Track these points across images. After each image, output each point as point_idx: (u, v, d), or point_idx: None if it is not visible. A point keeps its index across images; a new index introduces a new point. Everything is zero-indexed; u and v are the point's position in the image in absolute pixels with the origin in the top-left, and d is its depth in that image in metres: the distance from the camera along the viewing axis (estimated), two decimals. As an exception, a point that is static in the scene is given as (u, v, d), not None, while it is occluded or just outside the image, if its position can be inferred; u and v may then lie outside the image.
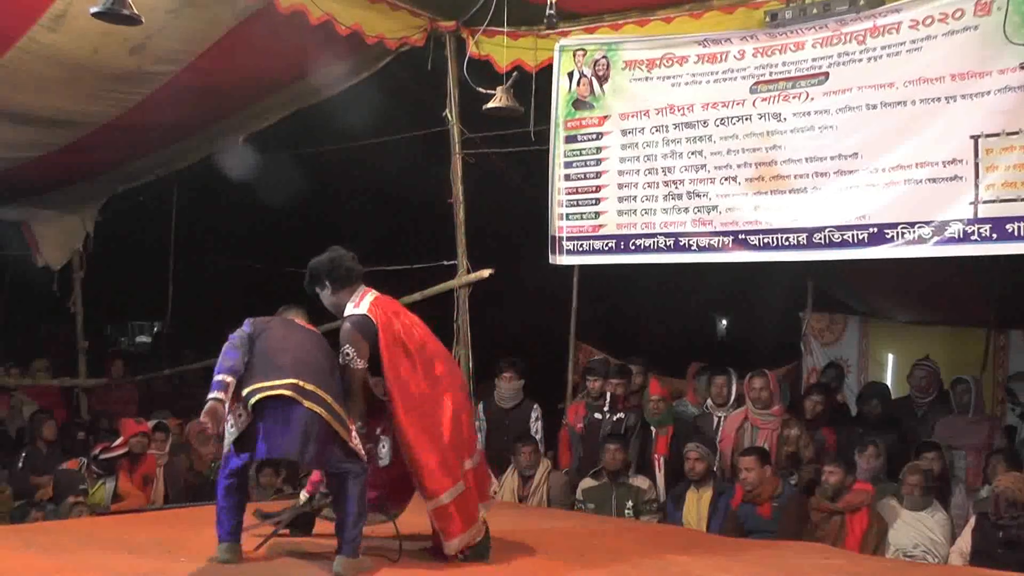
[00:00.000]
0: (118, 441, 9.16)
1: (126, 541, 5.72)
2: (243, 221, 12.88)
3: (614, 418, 8.53)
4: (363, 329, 5.46)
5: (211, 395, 5.12)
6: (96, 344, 13.49)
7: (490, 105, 7.99)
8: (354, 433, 5.24)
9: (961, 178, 6.44)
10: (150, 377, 12.94)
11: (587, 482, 8.15)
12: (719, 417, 8.29)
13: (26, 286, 13.04)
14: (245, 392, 5.14)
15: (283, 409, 5.08)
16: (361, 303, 5.58)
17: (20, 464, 9.02)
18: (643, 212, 7.74)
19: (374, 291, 5.68)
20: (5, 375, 11.86)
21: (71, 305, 12.61)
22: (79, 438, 10.34)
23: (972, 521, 6.84)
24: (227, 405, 5.13)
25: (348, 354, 5.41)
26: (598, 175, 7.97)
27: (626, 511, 7.86)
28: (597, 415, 8.61)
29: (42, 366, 12.32)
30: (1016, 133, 6.25)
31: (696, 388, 9.10)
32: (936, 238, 6.54)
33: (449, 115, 8.69)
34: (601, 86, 7.98)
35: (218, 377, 5.15)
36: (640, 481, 8.04)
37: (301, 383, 5.10)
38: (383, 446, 5.59)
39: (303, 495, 5.93)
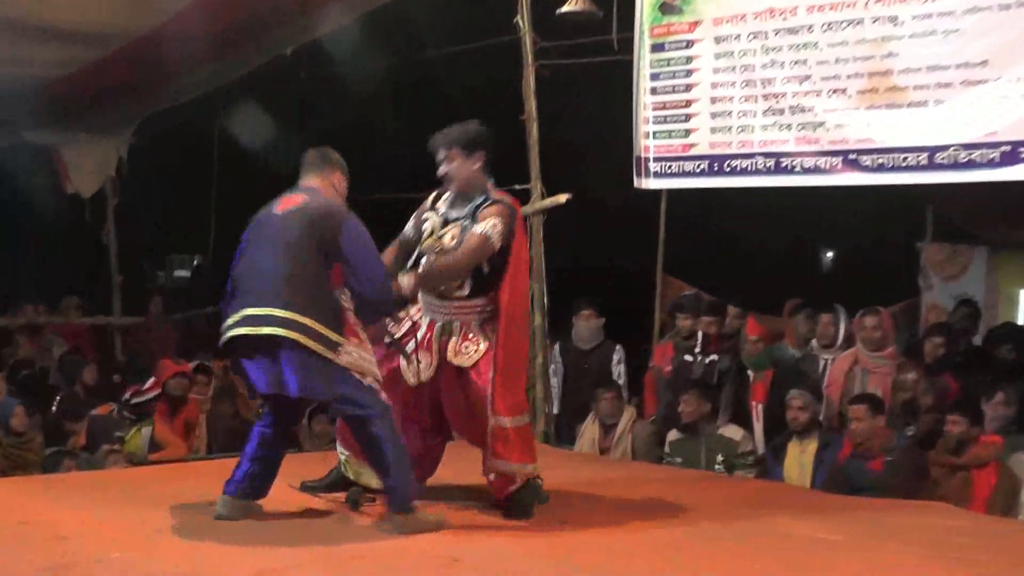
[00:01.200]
0: (149, 382, 9.34)
1: (166, 495, 5.82)
2: (293, 143, 13.02)
3: (706, 361, 8.57)
4: (513, 221, 5.63)
5: None
6: (131, 279, 13.73)
7: (565, 9, 7.97)
8: (350, 351, 5.14)
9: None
10: (191, 315, 13.17)
11: (674, 433, 8.21)
12: (825, 360, 8.28)
13: (55, 216, 13.27)
14: None
15: (247, 340, 5.13)
16: (504, 196, 5.74)
17: (55, 409, 9.28)
18: (739, 129, 7.69)
19: None
20: (34, 313, 12.16)
21: (103, 236, 12.84)
22: (115, 381, 10.60)
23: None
24: None
25: (491, 235, 5.52)
26: (688, 88, 7.92)
27: (716, 466, 7.92)
28: (687, 357, 8.66)
29: (73, 303, 12.60)
30: None
31: (794, 327, 9.06)
32: (1079, 157, 6.43)
33: (520, 22, 8.68)
34: (692, -13, 7.93)
35: None
36: (732, 431, 8.08)
37: (252, 311, 5.07)
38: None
39: (340, 450, 6.02)
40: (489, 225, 5.53)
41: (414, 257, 5.70)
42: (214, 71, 10.76)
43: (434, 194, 5.86)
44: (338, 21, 9.62)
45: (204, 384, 9.68)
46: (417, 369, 5.71)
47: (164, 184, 13.63)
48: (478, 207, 5.63)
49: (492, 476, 5.68)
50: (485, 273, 5.62)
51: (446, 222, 5.71)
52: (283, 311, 5.00)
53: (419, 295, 5.73)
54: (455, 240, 5.60)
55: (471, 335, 5.65)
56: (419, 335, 5.74)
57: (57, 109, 10.97)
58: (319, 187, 5.39)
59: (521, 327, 5.79)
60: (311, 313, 5.03)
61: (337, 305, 5.18)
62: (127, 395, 9.28)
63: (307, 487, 6.06)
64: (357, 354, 5.17)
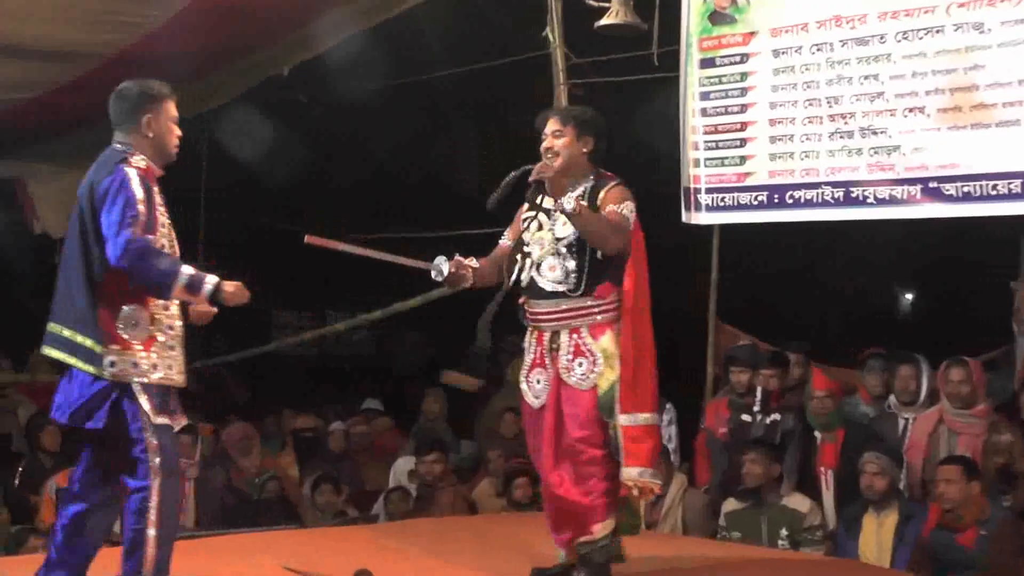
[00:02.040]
0: None
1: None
2: (289, 172, 13.06)
3: (767, 420, 8.53)
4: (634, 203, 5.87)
5: None
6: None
7: (604, 22, 7.99)
8: (114, 362, 5.10)
9: None
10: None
11: (731, 503, 8.16)
12: (905, 419, 8.23)
13: (20, 259, 13.33)
14: None
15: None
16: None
17: (17, 480, 9.28)
18: (803, 155, 7.68)
19: None
20: (-8, 372, 12.21)
21: (76, 283, 12.89)
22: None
23: None
24: None
25: (627, 215, 5.76)
26: (743, 108, 7.92)
27: (780, 541, 7.87)
28: (745, 417, 8.62)
29: (41, 358, 12.64)
30: None
31: (867, 381, 9.00)
32: None
33: (551, 36, 8.72)
34: (746, -7, 7.95)
35: None
36: (798, 502, 8.02)
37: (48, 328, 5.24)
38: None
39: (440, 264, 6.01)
40: (623, 206, 5.77)
41: (525, 257, 5.92)
42: (200, 93, 10.82)
43: (525, 205, 6.03)
44: (339, 36, 9.67)
45: (190, 446, 9.64)
46: (536, 390, 5.95)
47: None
48: (591, 188, 5.86)
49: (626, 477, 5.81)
50: (598, 259, 5.76)
51: (549, 213, 5.90)
52: None
53: (526, 307, 5.94)
54: (567, 227, 5.78)
55: (584, 348, 5.79)
56: (532, 350, 5.97)
57: (21, 136, 11.03)
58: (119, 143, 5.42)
59: (646, 320, 5.95)
60: None
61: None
62: None
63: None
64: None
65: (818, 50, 7.58)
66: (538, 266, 5.86)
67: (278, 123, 11.39)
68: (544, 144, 5.90)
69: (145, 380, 5.11)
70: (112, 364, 5.05)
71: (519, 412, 10.12)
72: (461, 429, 11.81)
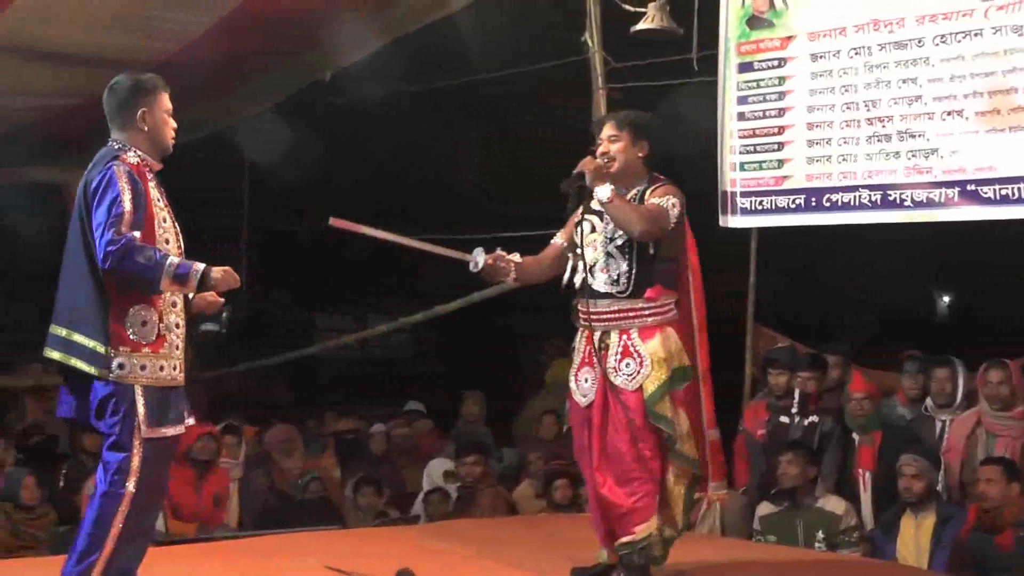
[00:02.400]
0: None
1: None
2: (334, 177, 13.09)
3: (805, 422, 8.51)
4: (684, 208, 5.91)
5: None
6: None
7: (641, 26, 8.00)
8: (122, 364, 5.04)
9: None
10: (220, 373, 13.27)
11: (765, 507, 8.15)
12: (942, 421, 8.20)
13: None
14: None
15: None
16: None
17: (61, 481, 9.33)
18: (840, 159, 7.66)
19: None
20: (43, 373, 12.26)
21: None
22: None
23: None
24: None
25: (668, 208, 5.79)
26: (781, 112, 7.91)
27: (816, 544, 7.84)
28: (783, 419, 8.61)
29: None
30: None
31: (903, 383, 8.95)
32: None
33: (589, 40, 8.72)
34: (784, -3, 7.93)
35: None
36: (833, 504, 7.99)
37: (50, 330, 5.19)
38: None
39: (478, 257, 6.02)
40: (665, 200, 5.81)
41: (577, 260, 5.96)
42: (243, 98, 10.88)
43: (580, 207, 6.00)
44: (378, 43, 9.71)
45: (233, 446, 9.68)
46: (584, 389, 5.97)
47: (188, 226, 13.75)
48: (644, 191, 5.91)
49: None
50: (649, 256, 5.80)
51: (601, 215, 5.92)
52: None
53: (579, 308, 5.97)
54: (619, 232, 5.83)
55: (632, 349, 5.81)
56: (581, 350, 5.99)
57: (67, 143, 11.10)
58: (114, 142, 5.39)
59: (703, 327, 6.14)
60: None
61: None
62: None
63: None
64: None
65: (856, 54, 7.55)
66: (591, 268, 5.88)
67: (320, 127, 11.42)
68: (600, 149, 5.95)
69: (149, 384, 5.06)
70: (121, 366, 4.99)
71: (559, 414, 10.17)
72: (499, 432, 11.82)
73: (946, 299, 18.07)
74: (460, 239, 6.12)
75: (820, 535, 7.85)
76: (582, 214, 5.95)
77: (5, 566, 5.41)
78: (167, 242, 5.19)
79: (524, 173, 12.16)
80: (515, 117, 11.94)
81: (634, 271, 5.80)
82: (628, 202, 5.80)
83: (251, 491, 9.62)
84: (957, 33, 7.13)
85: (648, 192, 5.89)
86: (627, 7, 8.16)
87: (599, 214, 5.90)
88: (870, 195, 7.53)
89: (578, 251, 5.93)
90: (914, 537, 7.59)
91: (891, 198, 7.45)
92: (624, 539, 5.79)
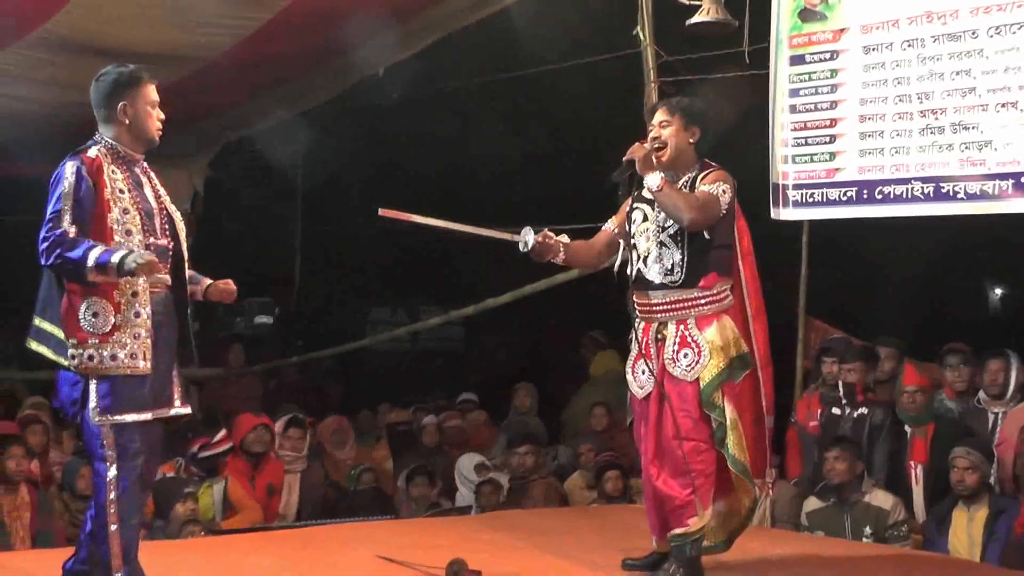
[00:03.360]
0: (220, 435, 9.40)
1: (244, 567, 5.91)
2: (388, 173, 13.11)
3: (855, 414, 8.46)
4: (735, 195, 5.92)
5: None
6: (207, 326, 13.94)
7: (695, 20, 7.96)
8: (74, 355, 5.12)
9: None
10: (275, 365, 13.32)
11: (812, 502, 8.10)
12: (995, 413, 8.12)
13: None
14: None
15: None
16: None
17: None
18: (893, 151, 7.59)
19: None
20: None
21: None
22: (189, 438, 10.70)
23: None
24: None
25: (719, 195, 5.78)
26: (833, 105, 7.84)
27: (864, 539, 7.77)
28: (836, 410, 8.56)
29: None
30: None
31: (945, 376, 8.84)
32: None
33: (641, 34, 8.69)
34: (836, -10, 7.88)
35: None
36: (881, 499, 7.92)
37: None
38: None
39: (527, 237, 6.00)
40: (715, 186, 5.79)
41: (629, 251, 5.98)
42: (296, 94, 10.91)
43: (631, 197, 6.01)
44: (432, 38, 9.71)
45: (298, 439, 9.66)
46: (641, 381, 5.96)
47: (242, 220, 13.83)
48: (695, 177, 5.90)
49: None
50: (704, 243, 5.77)
51: (653, 204, 5.89)
52: None
53: (632, 298, 5.95)
54: (671, 221, 5.80)
55: (690, 339, 5.78)
56: (638, 342, 5.95)
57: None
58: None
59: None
60: None
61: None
62: (194, 448, 9.34)
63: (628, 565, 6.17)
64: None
65: (909, 46, 7.48)
66: (645, 259, 5.85)
67: (372, 122, 11.43)
68: (652, 134, 5.93)
69: (103, 373, 5.08)
70: (73, 357, 5.08)
71: (609, 406, 10.13)
72: (550, 425, 11.80)
73: (999, 292, 17.92)
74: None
75: (868, 530, 7.79)
76: (632, 203, 5.92)
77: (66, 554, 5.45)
78: (128, 233, 5.17)
79: (575, 167, 12.16)
80: (566, 111, 11.90)
81: (688, 260, 5.76)
82: (678, 190, 5.76)
83: (308, 483, 9.64)
84: (1012, 24, 7.05)
85: (699, 179, 5.86)
86: (681, 1, 8.12)
87: (650, 203, 5.87)
88: (923, 187, 7.46)
89: (632, 242, 5.90)
90: (967, 530, 7.53)
91: (944, 190, 7.37)
92: (677, 531, 5.76)
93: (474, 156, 12.75)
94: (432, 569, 5.92)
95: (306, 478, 9.53)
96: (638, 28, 8.68)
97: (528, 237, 5.87)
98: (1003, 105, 7.10)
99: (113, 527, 5.08)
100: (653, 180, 5.64)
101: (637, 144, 5.80)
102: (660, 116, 5.96)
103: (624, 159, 5.75)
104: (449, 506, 9.58)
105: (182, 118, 10.75)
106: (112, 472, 5.07)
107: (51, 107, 9.17)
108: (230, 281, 5.53)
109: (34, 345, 5.23)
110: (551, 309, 12.97)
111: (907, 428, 8.37)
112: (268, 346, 14.63)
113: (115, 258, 4.93)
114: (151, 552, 6.25)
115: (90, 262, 4.93)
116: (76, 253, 4.95)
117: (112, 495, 5.07)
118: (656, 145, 5.86)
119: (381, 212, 5.78)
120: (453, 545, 6.44)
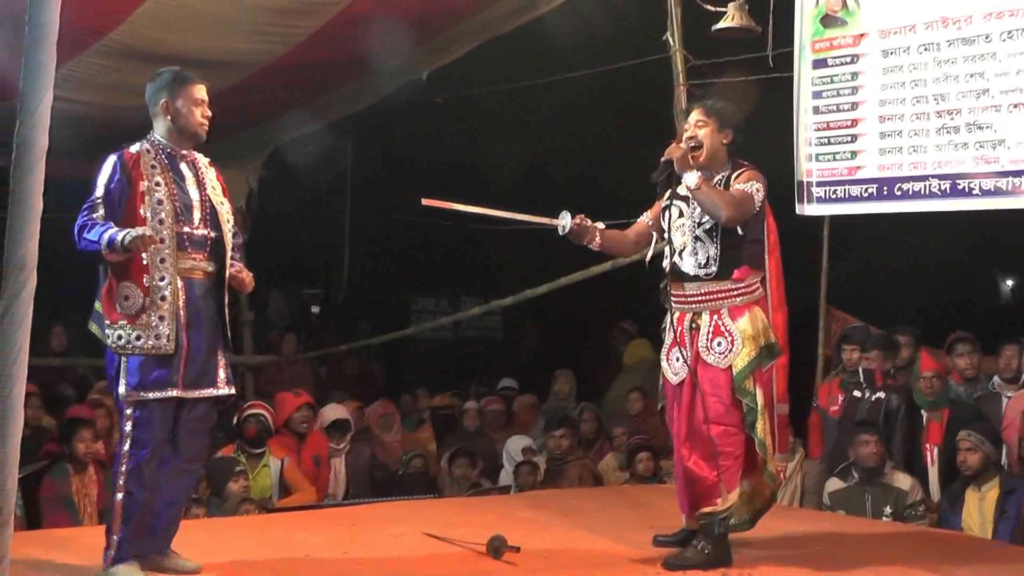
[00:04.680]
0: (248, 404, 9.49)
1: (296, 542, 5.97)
2: (430, 170, 13.15)
3: (872, 398, 8.46)
4: (766, 192, 5.92)
5: None
6: (262, 316, 14.01)
7: (720, 25, 7.96)
8: (108, 335, 5.24)
9: None
10: (324, 353, 13.39)
11: (834, 483, 8.10)
12: (1009, 397, 8.11)
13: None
14: None
15: None
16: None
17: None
18: (911, 150, 7.58)
19: None
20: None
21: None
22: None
23: None
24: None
25: (753, 194, 5.80)
26: (854, 106, 7.82)
27: (884, 518, 7.77)
28: (856, 394, 8.57)
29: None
30: None
31: (953, 363, 8.81)
32: None
33: (671, 39, 8.69)
34: (856, -3, 7.86)
35: None
36: (901, 480, 7.93)
37: None
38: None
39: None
40: (749, 185, 5.81)
41: (664, 245, 5.99)
42: (345, 97, 10.95)
43: (667, 192, 5.99)
44: (472, 43, 9.73)
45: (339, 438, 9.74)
46: (675, 368, 5.95)
47: (294, 215, 13.90)
48: (729, 176, 5.91)
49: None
50: (738, 238, 5.79)
51: (688, 200, 5.89)
52: None
53: (668, 289, 5.93)
54: (706, 217, 5.80)
55: (723, 328, 5.79)
56: (673, 330, 5.94)
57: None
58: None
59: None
60: None
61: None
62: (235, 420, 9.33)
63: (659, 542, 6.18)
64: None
65: (925, 50, 7.46)
66: (680, 252, 5.86)
67: (417, 124, 11.45)
68: (688, 133, 5.94)
69: (133, 353, 5.18)
70: (109, 337, 5.20)
71: (644, 391, 10.14)
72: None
73: (1010, 283, 17.83)
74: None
75: (888, 510, 7.80)
76: (669, 199, 5.93)
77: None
78: (160, 222, 5.26)
79: (605, 170, 12.16)
80: (599, 114, 11.90)
81: (722, 254, 5.78)
82: (715, 188, 5.77)
83: (359, 465, 9.71)
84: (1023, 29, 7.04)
85: (733, 177, 5.88)
86: (708, 7, 8.12)
87: (686, 199, 5.88)
88: (939, 184, 7.44)
89: (664, 236, 5.92)
90: (978, 509, 7.53)
91: (960, 187, 7.35)
92: (706, 509, 5.77)
93: (507, 154, 12.76)
94: (474, 544, 5.95)
95: (353, 461, 9.60)
96: (667, 34, 8.69)
97: (565, 220, 5.90)
98: (1016, 106, 7.08)
99: (119, 496, 5.17)
100: (691, 179, 5.65)
101: (674, 144, 5.82)
102: (696, 116, 5.97)
103: (662, 159, 5.77)
104: (489, 486, 9.62)
105: (236, 121, 10.88)
106: (125, 447, 5.17)
107: (112, 110, 9.22)
108: (243, 269, 5.60)
109: (91, 326, 5.33)
110: (586, 300, 12.97)
111: (923, 412, 8.35)
112: (320, 334, 14.68)
113: (119, 236, 5.04)
114: (206, 529, 6.35)
115: (103, 243, 5.07)
116: (93, 235, 5.11)
117: (123, 467, 5.16)
118: (692, 144, 5.87)
119: (424, 201, 5.83)
120: (493, 523, 6.46)
